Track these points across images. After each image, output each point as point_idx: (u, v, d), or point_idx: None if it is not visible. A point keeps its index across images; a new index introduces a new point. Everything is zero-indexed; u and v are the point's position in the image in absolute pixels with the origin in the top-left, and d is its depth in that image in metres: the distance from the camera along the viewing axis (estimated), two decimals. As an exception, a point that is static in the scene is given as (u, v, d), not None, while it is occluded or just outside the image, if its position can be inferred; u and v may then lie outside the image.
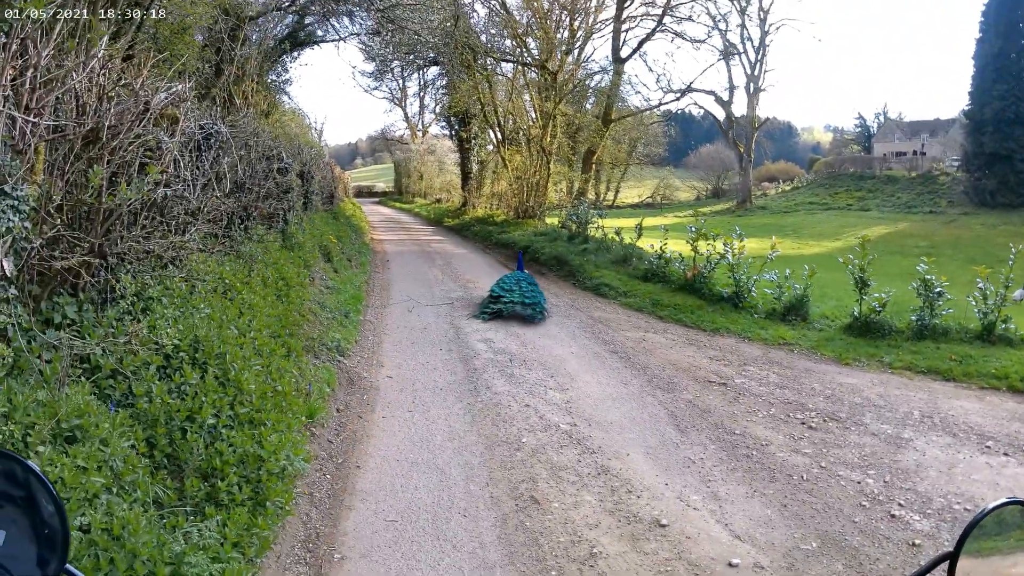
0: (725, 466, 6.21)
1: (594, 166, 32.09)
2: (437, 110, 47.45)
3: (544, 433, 6.87)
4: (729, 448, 6.60)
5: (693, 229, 14.31)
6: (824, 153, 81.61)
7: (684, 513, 5.35)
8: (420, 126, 55.55)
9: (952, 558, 1.09)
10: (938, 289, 10.52)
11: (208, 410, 4.32)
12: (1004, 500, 1.10)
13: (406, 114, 55.71)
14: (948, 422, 7.29)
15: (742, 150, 56.27)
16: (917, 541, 4.98)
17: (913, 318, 10.59)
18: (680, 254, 14.89)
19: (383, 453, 6.20)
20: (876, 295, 10.87)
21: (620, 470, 6.05)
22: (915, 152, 63.35)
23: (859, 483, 5.87)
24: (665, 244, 15.47)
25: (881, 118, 77.11)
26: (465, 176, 36.19)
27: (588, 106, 32.62)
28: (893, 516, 5.38)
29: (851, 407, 7.73)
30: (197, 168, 6.36)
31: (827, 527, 5.14)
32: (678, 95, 40.62)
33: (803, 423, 7.29)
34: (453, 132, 38.47)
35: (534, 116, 28.89)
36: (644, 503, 5.47)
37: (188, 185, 5.92)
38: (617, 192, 55.64)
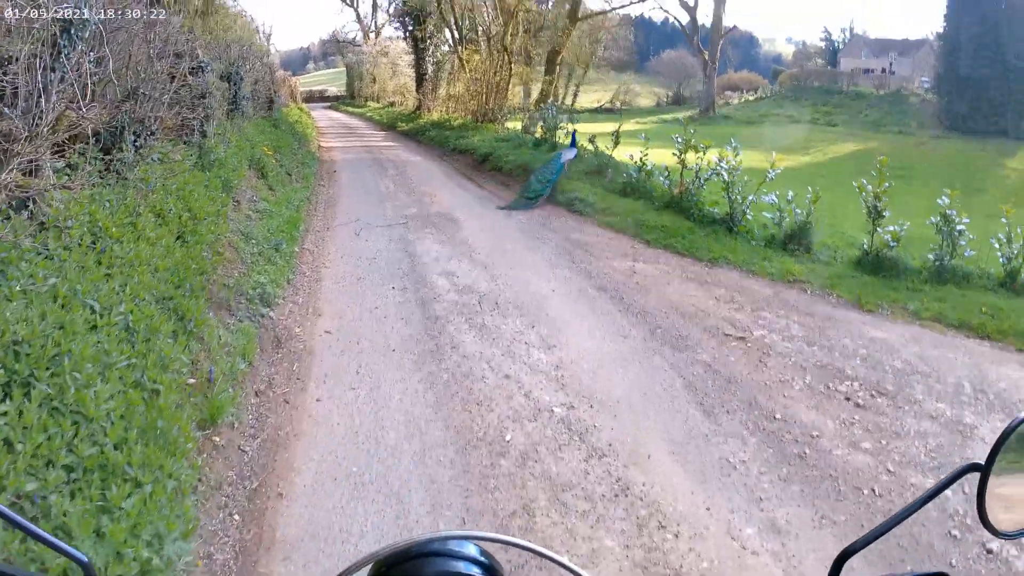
0: (775, 473, 4.54)
1: (558, 67, 29.71)
2: (391, 10, 44.84)
3: (534, 423, 5.08)
4: (774, 442, 4.93)
5: (680, 139, 12.54)
6: (787, 66, 79.78)
7: (741, 561, 3.74)
8: (373, 27, 51.82)
9: (983, 471, 0.91)
10: (960, 227, 9.10)
11: (17, 478, 2.48)
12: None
13: (358, 14, 51.80)
14: (1004, 400, 5.85)
15: (706, 57, 54.39)
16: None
17: (931, 257, 9.22)
18: (667, 167, 13.04)
19: (316, 466, 4.35)
20: (890, 228, 9.43)
21: (644, 487, 4.32)
22: (884, 70, 61.08)
23: (940, 498, 4.27)
24: (646, 155, 13.71)
25: (847, 34, 75.48)
26: (420, 78, 33.13)
27: (549, 5, 30.10)
28: (990, 552, 3.95)
29: (895, 375, 6.16)
30: (52, 71, 4.45)
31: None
32: (642, -3, 38.66)
33: (848, 399, 5.67)
34: (407, 33, 35.39)
35: (494, 13, 26.54)
36: (685, 548, 3.78)
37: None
38: (576, 96, 53.13)
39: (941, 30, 46.96)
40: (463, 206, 13.25)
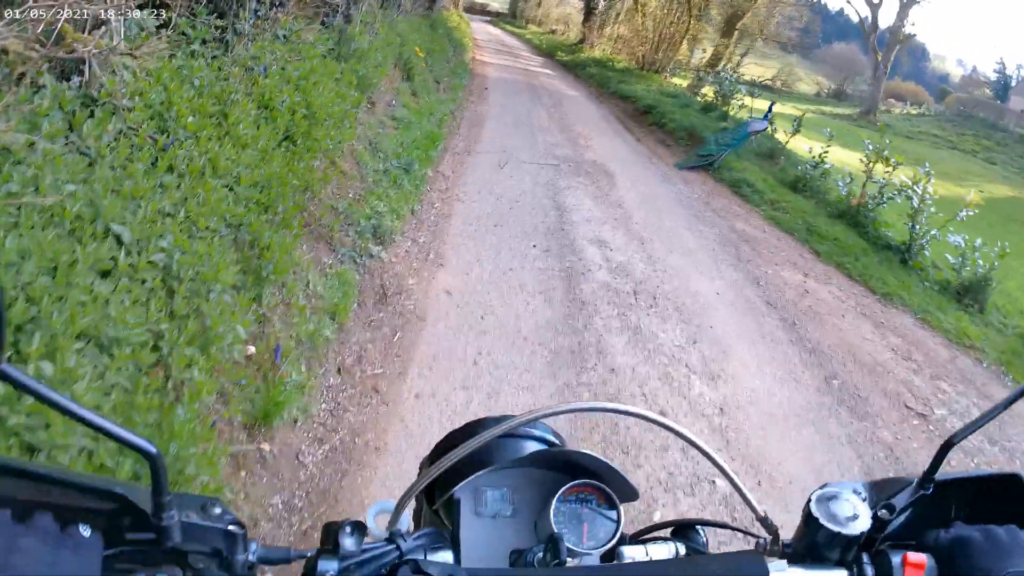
0: None
1: (736, 32, 27.23)
2: (573, -70, 41.89)
3: (690, 497, 3.60)
4: None
5: (871, 146, 10.73)
6: (953, 87, 74.73)
7: None
8: (550, -53, 49.59)
9: None
10: None
11: None
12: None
13: (536, -70, 50.37)
14: None
15: (879, 58, 50.84)
16: None
17: None
18: (850, 173, 11.20)
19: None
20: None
21: None
22: None
23: None
24: (827, 152, 11.83)
25: (1022, 71, 70.35)
26: (588, 11, 31.08)
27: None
28: None
29: None
30: None
31: None
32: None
33: None
34: (585, -38, 33.56)
35: (686, -40, 23.86)
36: None
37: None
38: (739, 65, 50.11)
39: None
40: (620, 159, 11.59)
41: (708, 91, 17.31)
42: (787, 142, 13.54)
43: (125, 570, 0.72)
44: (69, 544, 0.65)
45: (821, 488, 0.90)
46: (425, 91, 10.52)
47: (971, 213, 9.56)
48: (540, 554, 0.92)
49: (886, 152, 10.59)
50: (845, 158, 13.27)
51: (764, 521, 0.93)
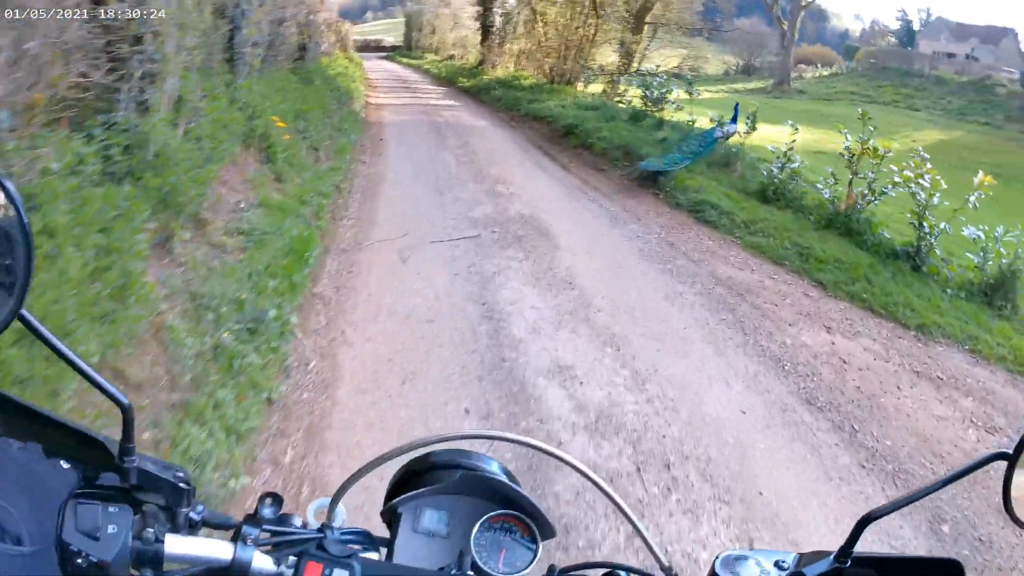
0: None
1: (645, 27, 25.15)
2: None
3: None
4: None
5: (849, 139, 9.00)
6: (856, 43, 75.43)
7: None
8: (436, -25, 47.92)
9: (1010, 459, 0.86)
10: None
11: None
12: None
13: (421, -38, 48.42)
14: None
15: (784, 27, 50.04)
16: None
17: None
18: (833, 173, 9.41)
19: None
20: None
21: None
22: (967, 56, 57.72)
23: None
24: (792, 147, 10.04)
25: (925, 15, 71.52)
26: (485, 31, 29.16)
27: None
28: None
29: None
30: None
31: None
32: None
33: None
34: (473, -18, 31.62)
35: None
36: None
37: None
38: (642, 60, 48.53)
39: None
40: (552, 204, 9.46)
41: (635, 95, 15.25)
42: (744, 142, 11.61)
43: (88, 501, 0.82)
44: (50, 469, 0.83)
45: (730, 551, 0.89)
46: (295, 170, 8.04)
47: (982, 196, 7.90)
48: (454, 571, 0.97)
49: (872, 141, 8.85)
50: (773, 135, 11.76)
51: (668, 571, 0.95)
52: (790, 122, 10.24)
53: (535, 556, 1.03)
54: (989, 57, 56.51)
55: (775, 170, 9.90)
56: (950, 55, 58.00)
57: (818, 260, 7.76)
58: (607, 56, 23.30)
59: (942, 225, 7.82)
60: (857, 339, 6.05)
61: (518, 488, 1.05)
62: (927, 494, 0.85)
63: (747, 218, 8.93)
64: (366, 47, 59.93)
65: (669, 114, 13.74)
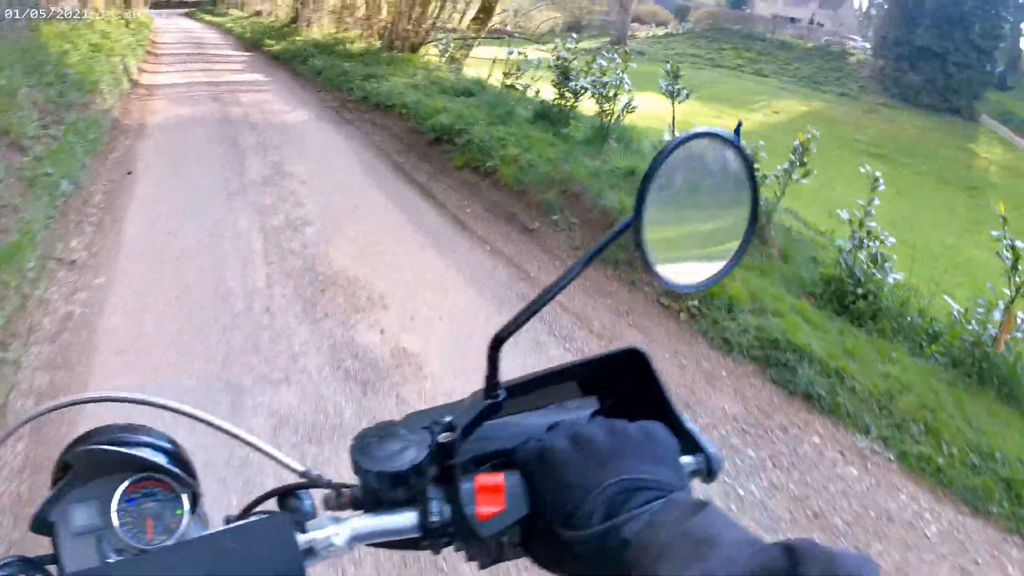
0: None
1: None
2: None
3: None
4: None
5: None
6: (689, 2, 74.18)
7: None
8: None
9: (634, 220, 0.74)
10: None
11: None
12: (695, 131, 0.76)
13: None
14: None
15: (622, -18, 47.68)
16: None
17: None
18: (989, 302, 5.09)
19: None
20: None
21: None
22: (810, 21, 57.43)
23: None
24: (870, 208, 5.63)
25: None
26: (300, -19, 23.34)
27: None
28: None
29: None
30: None
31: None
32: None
33: None
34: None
35: None
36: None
37: None
38: (463, 17, 43.05)
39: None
40: (463, 344, 4.48)
41: (536, 78, 10.26)
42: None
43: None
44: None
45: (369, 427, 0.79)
46: None
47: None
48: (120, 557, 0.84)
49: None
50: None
51: (308, 475, 0.81)
52: (866, 167, 5.88)
53: (187, 513, 0.84)
54: (829, 23, 56.78)
55: (845, 259, 5.64)
56: (792, 19, 57.43)
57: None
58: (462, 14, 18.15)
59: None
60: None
61: (148, 443, 0.84)
62: (547, 301, 0.73)
63: (873, 386, 4.32)
64: (167, 3, 55.68)
65: (608, 112, 8.41)
